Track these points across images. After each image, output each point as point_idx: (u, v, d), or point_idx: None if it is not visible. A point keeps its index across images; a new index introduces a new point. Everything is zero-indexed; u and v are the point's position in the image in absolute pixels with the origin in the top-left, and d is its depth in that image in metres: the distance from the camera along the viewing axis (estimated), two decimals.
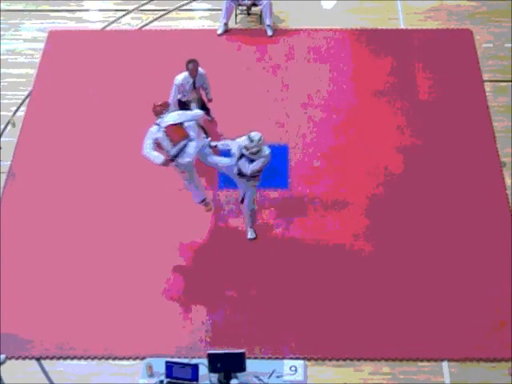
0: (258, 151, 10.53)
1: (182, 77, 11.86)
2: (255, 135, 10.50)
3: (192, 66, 11.75)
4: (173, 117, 10.83)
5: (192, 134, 10.75)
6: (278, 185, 11.92)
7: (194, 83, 11.91)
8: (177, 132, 10.70)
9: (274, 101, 12.99)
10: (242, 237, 11.29)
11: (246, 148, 10.52)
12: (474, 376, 9.96)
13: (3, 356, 10.17)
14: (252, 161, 10.60)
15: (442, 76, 13.25)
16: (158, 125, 10.79)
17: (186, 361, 9.47)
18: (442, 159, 12.16)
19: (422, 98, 12.95)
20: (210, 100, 12.33)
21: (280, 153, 12.27)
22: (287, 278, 10.89)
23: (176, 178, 11.31)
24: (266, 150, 10.63)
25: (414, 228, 11.37)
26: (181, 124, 10.75)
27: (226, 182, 11.71)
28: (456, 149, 12.30)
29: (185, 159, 10.69)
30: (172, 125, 10.72)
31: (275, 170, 12.08)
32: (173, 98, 11.88)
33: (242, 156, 10.64)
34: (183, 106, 11.99)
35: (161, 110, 10.89)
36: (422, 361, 10.07)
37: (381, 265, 10.99)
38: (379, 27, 14.14)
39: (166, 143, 10.71)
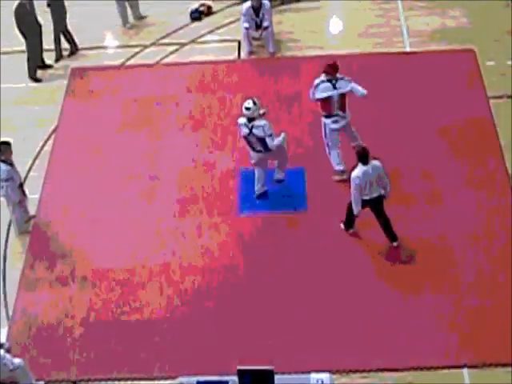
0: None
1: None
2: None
3: None
4: None
5: None
6: (296, 206, 12.25)
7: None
8: None
9: (289, 124, 13.25)
10: (264, 255, 11.64)
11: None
12: (494, 382, 10.19)
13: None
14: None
15: (448, 96, 13.55)
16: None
17: (216, 379, 9.73)
18: (451, 177, 12.44)
19: (430, 118, 13.24)
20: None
21: (297, 175, 12.62)
22: (310, 293, 11.20)
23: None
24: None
25: (428, 237, 11.68)
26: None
27: (247, 205, 12.22)
28: (465, 166, 12.55)
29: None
30: None
31: (293, 191, 12.44)
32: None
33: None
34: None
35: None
36: (442, 369, 10.31)
37: (401, 279, 11.29)
38: (385, 50, 14.56)
39: None
